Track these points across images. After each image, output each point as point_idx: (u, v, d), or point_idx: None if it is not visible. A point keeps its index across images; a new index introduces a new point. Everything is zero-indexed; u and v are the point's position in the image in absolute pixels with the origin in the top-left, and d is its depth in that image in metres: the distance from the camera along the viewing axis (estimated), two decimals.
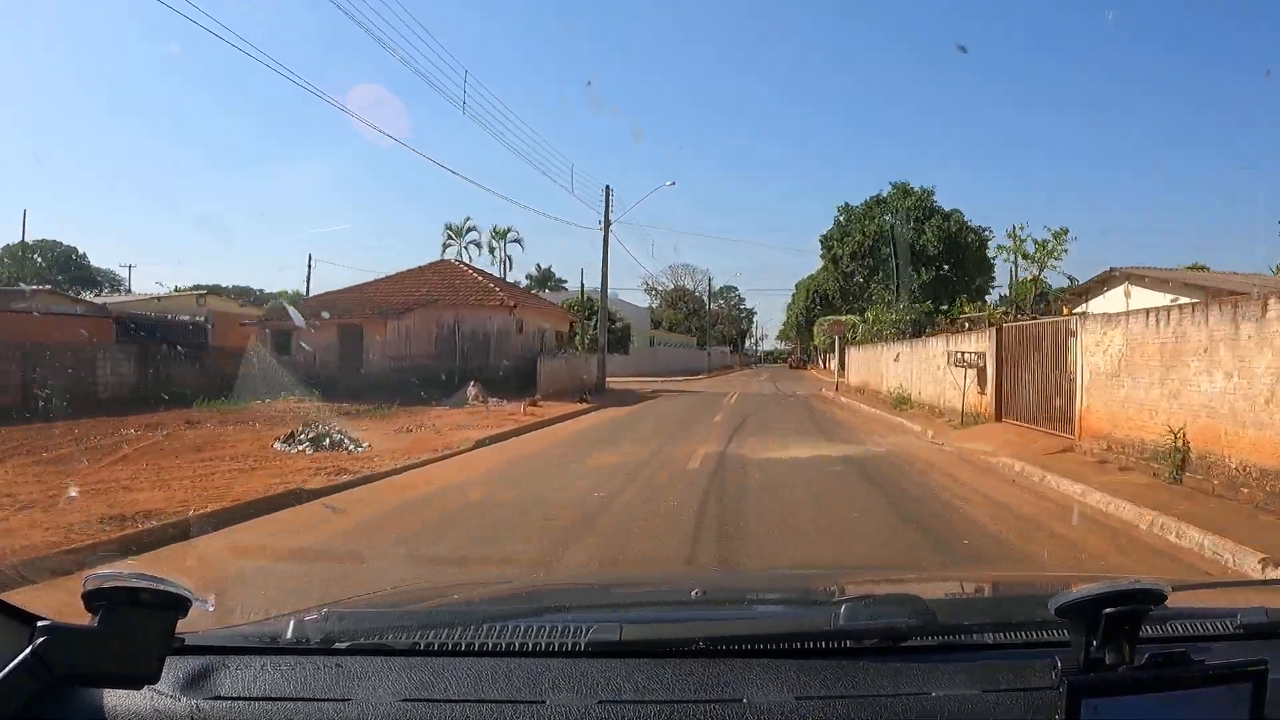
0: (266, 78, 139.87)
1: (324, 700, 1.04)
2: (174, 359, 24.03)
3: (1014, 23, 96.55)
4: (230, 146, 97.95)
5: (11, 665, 0.92)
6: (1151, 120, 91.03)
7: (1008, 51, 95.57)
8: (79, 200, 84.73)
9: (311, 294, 34.44)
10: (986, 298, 34.50)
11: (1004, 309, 20.75)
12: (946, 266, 34.02)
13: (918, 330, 25.01)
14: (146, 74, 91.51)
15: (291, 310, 29.45)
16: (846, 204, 37.01)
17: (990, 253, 33.88)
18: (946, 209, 34.88)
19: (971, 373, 14.92)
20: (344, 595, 2.08)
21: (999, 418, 14.10)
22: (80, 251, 50.53)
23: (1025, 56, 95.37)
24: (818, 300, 70.51)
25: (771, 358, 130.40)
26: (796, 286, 74.43)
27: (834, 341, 50.60)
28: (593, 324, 36.67)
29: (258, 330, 28.30)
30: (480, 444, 12.63)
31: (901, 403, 20.23)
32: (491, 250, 52.75)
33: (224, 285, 45.75)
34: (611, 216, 31.66)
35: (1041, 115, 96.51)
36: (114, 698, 1.01)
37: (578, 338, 39.28)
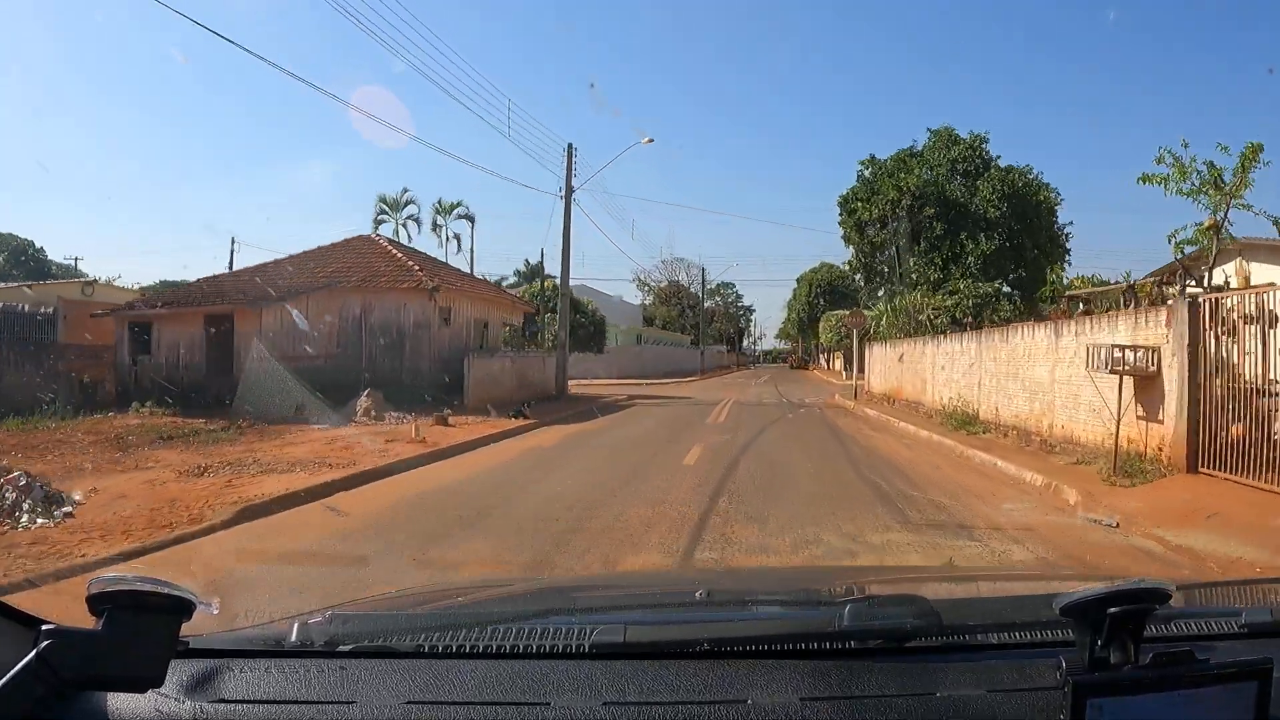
0: (264, 74, 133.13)
1: (328, 703, 1.04)
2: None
3: (1014, 22, 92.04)
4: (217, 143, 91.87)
5: (16, 669, 0.92)
6: (1151, 119, 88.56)
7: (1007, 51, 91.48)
8: (38, 193, 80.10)
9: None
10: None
11: (1153, 279, 14.46)
12: (1003, 236, 25.05)
13: (978, 317, 18.59)
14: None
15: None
16: (872, 156, 27.81)
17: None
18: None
19: (1128, 383, 8.59)
20: None
21: (1193, 465, 7.79)
22: (37, 245, 48.07)
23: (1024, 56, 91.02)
24: (821, 295, 64.14)
25: (770, 357, 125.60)
26: (798, 280, 67.96)
27: (842, 339, 45.25)
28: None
29: (115, 323, 21.94)
30: (244, 514, 6.54)
31: (966, 423, 13.92)
32: (436, 228, 45.02)
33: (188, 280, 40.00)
34: (577, 183, 25.37)
35: (1040, 114, 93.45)
36: (119, 701, 1.01)
37: (541, 334, 32.97)
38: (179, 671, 1.05)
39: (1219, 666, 1.00)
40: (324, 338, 20.62)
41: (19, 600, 1.18)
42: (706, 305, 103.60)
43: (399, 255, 22.02)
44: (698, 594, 1.57)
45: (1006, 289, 22.16)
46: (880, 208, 25.21)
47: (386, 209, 41.41)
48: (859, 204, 26.70)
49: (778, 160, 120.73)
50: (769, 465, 9.91)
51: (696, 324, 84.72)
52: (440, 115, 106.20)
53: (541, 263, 33.67)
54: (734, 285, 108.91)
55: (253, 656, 1.13)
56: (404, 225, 42.28)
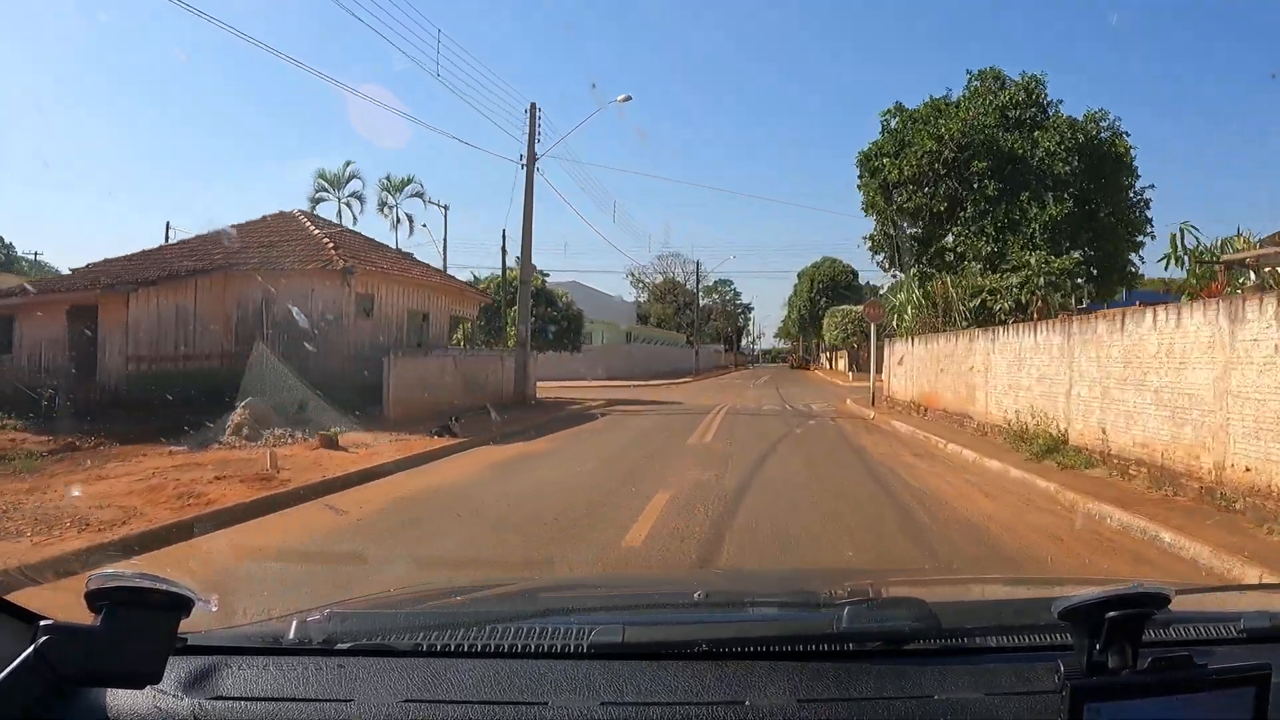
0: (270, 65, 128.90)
1: (326, 700, 1.03)
2: None
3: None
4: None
5: (14, 665, 0.91)
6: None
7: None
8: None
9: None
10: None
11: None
12: (1074, 198, 19.19)
13: (1058, 299, 14.18)
14: None
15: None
16: (899, 105, 21.41)
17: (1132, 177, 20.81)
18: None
19: None
20: None
21: None
22: (5, 240, 47.02)
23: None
24: (823, 291, 59.91)
25: (770, 357, 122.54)
26: (799, 276, 63.69)
27: (848, 337, 41.39)
28: (536, 311, 26.37)
29: None
30: None
31: (1051, 449, 9.83)
32: (385, 209, 39.07)
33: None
34: (542, 148, 21.29)
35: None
36: (117, 697, 1.00)
37: (506, 329, 28.86)
38: (177, 668, 1.04)
39: (1217, 671, 1.01)
40: (218, 332, 16.59)
41: None
42: (703, 303, 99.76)
43: (316, 232, 17.91)
44: (696, 595, 1.57)
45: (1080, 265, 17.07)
46: (913, 163, 19.43)
47: (327, 185, 36.32)
48: (885, 160, 20.72)
49: (774, 138, 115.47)
50: (778, 543, 5.75)
51: (692, 321, 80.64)
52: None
53: (504, 246, 29.43)
54: (731, 283, 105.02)
55: (251, 654, 1.12)
56: (346, 204, 37.04)
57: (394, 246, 25.48)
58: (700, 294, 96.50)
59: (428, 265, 22.29)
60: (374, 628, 1.22)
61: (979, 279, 16.64)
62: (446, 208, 33.39)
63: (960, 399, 14.63)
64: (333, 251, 16.28)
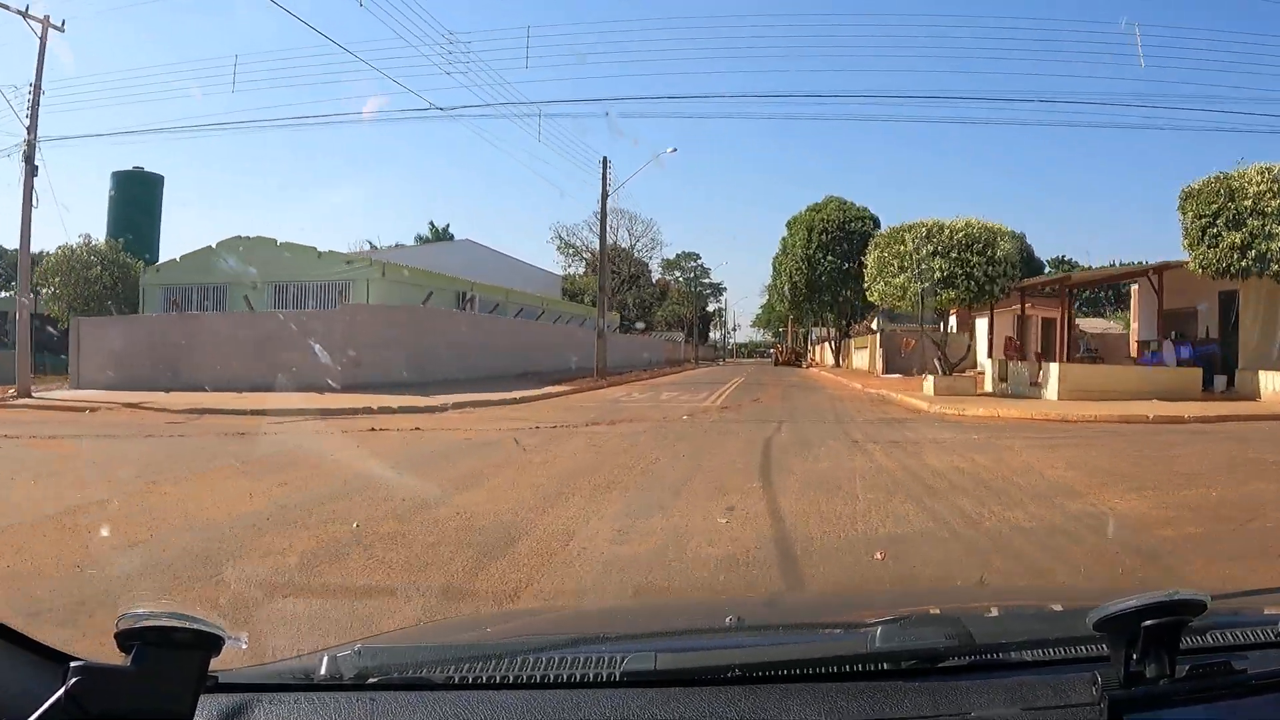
0: None
1: None
2: None
3: None
4: None
5: (45, 707, 0.91)
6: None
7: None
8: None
9: None
10: None
11: None
12: None
13: None
14: None
15: None
16: None
17: None
18: None
19: None
20: None
21: None
22: None
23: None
24: (830, 244, 40.09)
25: (746, 351, 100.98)
26: (790, 225, 43.35)
27: (939, 297, 20.14)
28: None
29: None
30: None
31: None
32: None
33: None
34: None
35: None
36: None
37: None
38: (208, 707, 1.03)
39: (1257, 676, 1.01)
40: None
41: None
42: (664, 279, 78.46)
43: None
44: (728, 620, 1.53)
45: None
46: None
47: None
48: None
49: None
50: None
51: (645, 301, 60.39)
52: None
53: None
54: (699, 257, 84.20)
55: (282, 690, 1.11)
56: None
57: None
58: (661, 269, 74.07)
59: None
60: (405, 661, 1.20)
61: None
62: None
63: None
64: None
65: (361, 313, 18.50)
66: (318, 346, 17.38)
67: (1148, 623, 0.96)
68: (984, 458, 7.98)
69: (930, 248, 16.51)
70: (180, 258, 25.30)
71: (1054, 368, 15.80)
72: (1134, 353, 20.68)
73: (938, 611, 1.58)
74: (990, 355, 20.12)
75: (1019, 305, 20.82)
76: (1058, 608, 1.75)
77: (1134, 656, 0.97)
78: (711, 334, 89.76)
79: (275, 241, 23.03)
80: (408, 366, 18.62)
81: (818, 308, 40.27)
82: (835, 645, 1.27)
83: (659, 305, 71.77)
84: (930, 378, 17.61)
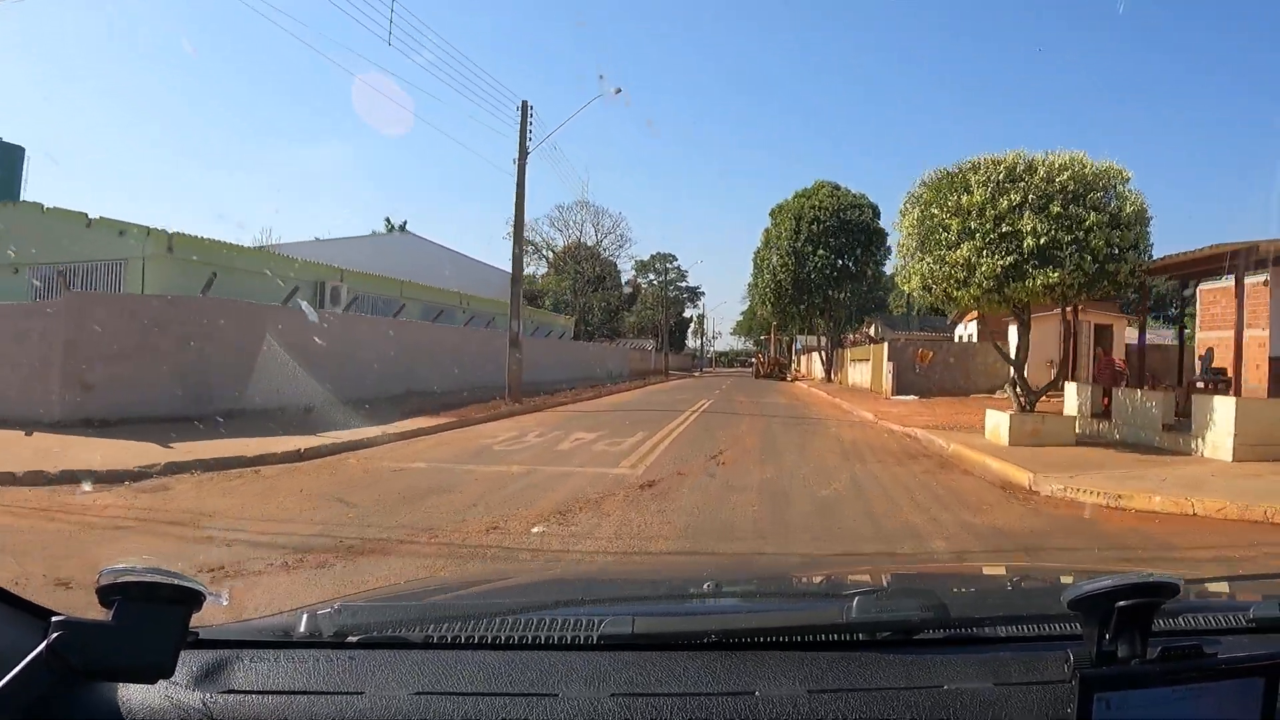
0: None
1: (338, 694, 1.03)
2: None
3: None
4: None
5: (27, 660, 0.91)
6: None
7: None
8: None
9: None
10: None
11: None
12: None
13: None
14: None
15: None
16: None
17: None
18: None
19: None
20: None
21: None
22: None
23: None
24: (823, 235, 33.47)
25: (727, 360, 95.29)
26: (775, 215, 37.10)
27: (996, 294, 13.40)
28: None
29: None
30: None
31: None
32: None
33: None
34: None
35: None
36: (129, 691, 1.00)
37: None
38: (189, 662, 1.04)
39: (1227, 661, 1.02)
40: None
41: None
42: (636, 281, 71.78)
43: None
44: (706, 585, 1.55)
45: None
46: None
47: None
48: None
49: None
50: None
51: (612, 305, 54.12)
52: None
53: None
54: (675, 258, 77.93)
55: (262, 647, 1.11)
56: None
57: None
58: (634, 270, 67.86)
59: None
60: (385, 620, 1.20)
61: None
62: None
63: None
64: None
65: (98, 307, 11.69)
66: (20, 359, 10.72)
67: (1121, 603, 0.97)
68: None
69: (1016, 195, 9.39)
70: None
71: (1221, 404, 9.28)
72: (1263, 375, 14.26)
73: (913, 584, 1.64)
74: (1064, 378, 13.56)
75: (1059, 309, 13.62)
76: (1032, 584, 1.80)
77: (1107, 636, 0.98)
78: (689, 342, 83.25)
79: (42, 207, 16.19)
80: (183, 386, 11.86)
81: (806, 311, 33.80)
82: (812, 614, 1.27)
83: (628, 310, 64.99)
84: (996, 415, 11.04)
